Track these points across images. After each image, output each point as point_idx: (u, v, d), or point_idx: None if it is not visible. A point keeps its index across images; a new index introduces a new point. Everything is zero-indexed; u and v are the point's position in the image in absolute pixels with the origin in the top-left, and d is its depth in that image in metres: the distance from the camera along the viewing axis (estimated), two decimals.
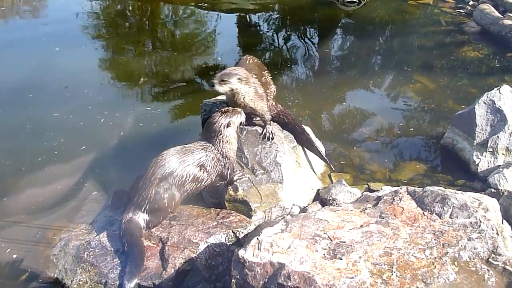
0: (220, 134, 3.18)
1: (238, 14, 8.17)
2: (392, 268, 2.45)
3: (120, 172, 4.08)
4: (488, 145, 4.05)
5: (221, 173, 3.25)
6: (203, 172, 3.17)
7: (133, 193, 3.11)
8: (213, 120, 3.21)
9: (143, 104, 5.33)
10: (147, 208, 3.03)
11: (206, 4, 8.38)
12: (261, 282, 2.48)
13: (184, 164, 3.09)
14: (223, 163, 3.23)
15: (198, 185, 3.20)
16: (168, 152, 3.15)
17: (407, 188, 3.14)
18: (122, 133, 4.69)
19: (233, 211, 3.33)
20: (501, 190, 3.70)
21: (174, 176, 3.06)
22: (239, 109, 3.32)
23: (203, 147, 3.19)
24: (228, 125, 3.19)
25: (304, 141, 3.94)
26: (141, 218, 3.04)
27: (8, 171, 4.13)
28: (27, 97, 5.32)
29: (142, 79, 5.87)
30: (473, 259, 2.54)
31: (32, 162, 4.22)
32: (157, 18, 8.17)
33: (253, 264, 2.52)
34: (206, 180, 3.21)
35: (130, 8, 8.50)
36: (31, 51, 6.57)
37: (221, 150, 3.20)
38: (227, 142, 3.21)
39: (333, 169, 4.05)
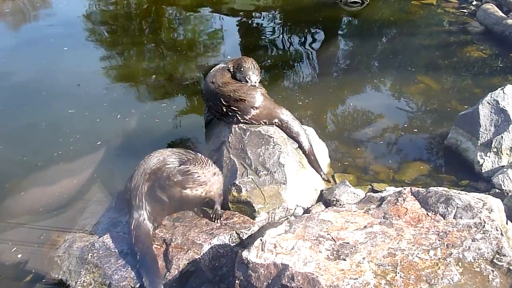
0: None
1: (241, 15, 8.18)
2: (396, 269, 2.45)
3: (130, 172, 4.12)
4: (492, 145, 4.04)
5: None
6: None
7: (128, 196, 3.12)
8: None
9: (158, 101, 5.36)
10: (146, 206, 3.04)
11: (210, 6, 8.41)
12: (264, 283, 2.48)
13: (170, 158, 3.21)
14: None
15: None
16: (158, 150, 3.26)
17: (410, 188, 3.13)
18: (137, 129, 4.73)
19: (236, 212, 3.33)
20: (506, 190, 3.69)
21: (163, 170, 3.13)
22: None
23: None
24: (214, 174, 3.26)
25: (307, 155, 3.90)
26: (146, 220, 3.05)
27: (23, 167, 4.18)
28: (41, 95, 5.37)
29: (154, 76, 5.90)
30: (478, 259, 2.53)
31: (48, 158, 4.27)
32: (163, 19, 8.19)
33: (256, 265, 2.52)
34: None
35: (135, 9, 8.53)
36: (41, 51, 6.63)
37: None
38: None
39: (328, 180, 3.95)
